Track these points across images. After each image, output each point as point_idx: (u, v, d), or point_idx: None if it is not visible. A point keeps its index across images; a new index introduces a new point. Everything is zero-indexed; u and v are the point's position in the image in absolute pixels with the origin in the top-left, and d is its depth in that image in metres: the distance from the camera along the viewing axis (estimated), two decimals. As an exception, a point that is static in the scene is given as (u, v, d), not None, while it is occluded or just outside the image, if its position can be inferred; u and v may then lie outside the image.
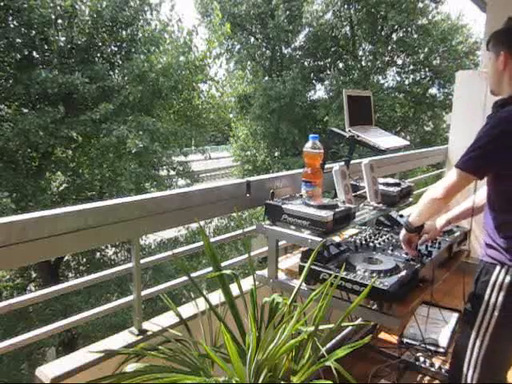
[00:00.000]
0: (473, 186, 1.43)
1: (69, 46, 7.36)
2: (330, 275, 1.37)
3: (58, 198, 7.87)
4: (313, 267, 1.45)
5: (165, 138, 8.02)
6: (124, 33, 8.26)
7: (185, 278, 1.60)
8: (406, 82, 14.60)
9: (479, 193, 1.53)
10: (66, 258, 8.22)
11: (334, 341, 2.15)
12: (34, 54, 7.45)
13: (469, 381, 1.34)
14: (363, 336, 2.25)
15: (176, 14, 9.02)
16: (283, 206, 1.53)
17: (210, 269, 1.52)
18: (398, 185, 1.98)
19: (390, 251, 1.62)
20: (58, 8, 7.28)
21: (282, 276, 1.66)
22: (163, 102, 8.73)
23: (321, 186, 1.69)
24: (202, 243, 1.47)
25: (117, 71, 8.08)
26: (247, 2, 14.29)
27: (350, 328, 2.27)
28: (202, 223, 1.44)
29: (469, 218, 1.65)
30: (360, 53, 15.19)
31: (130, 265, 1.43)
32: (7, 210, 6.00)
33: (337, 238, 1.82)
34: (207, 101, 9.87)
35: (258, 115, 13.83)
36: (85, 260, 8.45)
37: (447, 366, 2.11)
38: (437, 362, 2.13)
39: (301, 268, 1.50)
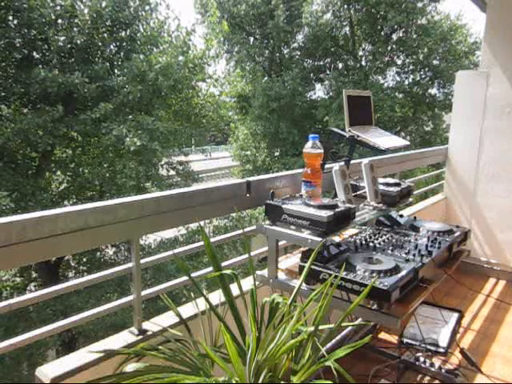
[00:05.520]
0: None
1: (69, 46, 7.36)
2: (330, 275, 1.37)
3: (58, 197, 7.87)
4: (313, 267, 1.45)
5: (164, 137, 8.03)
6: (123, 33, 8.26)
7: (185, 277, 1.60)
8: (406, 82, 14.59)
9: None
10: (66, 257, 8.22)
11: (333, 341, 2.15)
12: (34, 53, 7.45)
13: None
14: (363, 336, 2.25)
15: (173, 13, 9.05)
16: (283, 206, 1.53)
17: (210, 269, 1.52)
18: (397, 185, 1.98)
19: (389, 251, 1.62)
20: (58, 8, 7.28)
21: (282, 276, 1.66)
22: (162, 101, 8.73)
23: (321, 186, 1.69)
24: (202, 243, 1.47)
25: (116, 71, 8.09)
26: (246, 2, 14.29)
27: (349, 328, 2.27)
28: (201, 223, 1.44)
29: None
30: (360, 53, 15.18)
31: (130, 265, 1.43)
32: (7, 209, 6.00)
33: (337, 238, 1.82)
34: (206, 99, 9.88)
35: (258, 115, 13.83)
36: (85, 260, 8.46)
37: (447, 366, 2.12)
38: (437, 362, 2.13)
39: (301, 268, 1.50)
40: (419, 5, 13.34)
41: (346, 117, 1.86)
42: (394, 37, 14.47)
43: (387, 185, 1.96)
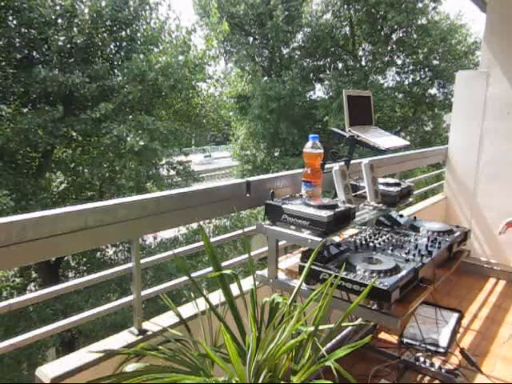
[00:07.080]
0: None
1: (68, 46, 7.36)
2: (330, 275, 1.37)
3: (58, 197, 7.87)
4: (313, 267, 1.45)
5: (165, 136, 8.03)
6: (123, 33, 8.26)
7: (185, 277, 1.60)
8: (406, 82, 14.61)
9: None
10: (66, 257, 8.22)
11: (333, 341, 2.15)
12: (34, 53, 7.45)
13: None
14: (363, 336, 2.25)
15: (174, 13, 9.05)
16: (283, 206, 1.53)
17: (210, 268, 1.52)
18: (397, 185, 1.98)
19: (389, 251, 1.62)
20: (58, 8, 7.28)
21: (282, 276, 1.66)
22: (163, 101, 8.74)
23: (321, 186, 1.69)
24: (202, 243, 1.47)
25: (116, 71, 8.09)
26: (245, 2, 14.29)
27: (349, 328, 2.27)
28: (201, 223, 1.44)
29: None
30: (360, 53, 15.19)
31: (130, 265, 1.43)
32: (7, 209, 6.00)
33: (337, 238, 1.82)
34: (207, 100, 9.89)
35: (258, 115, 13.82)
36: (85, 260, 8.46)
37: (447, 366, 2.12)
38: (437, 362, 2.13)
39: (301, 268, 1.50)
40: (419, 5, 13.34)
41: (346, 117, 1.86)
42: (394, 37, 14.48)
43: (387, 185, 1.96)
